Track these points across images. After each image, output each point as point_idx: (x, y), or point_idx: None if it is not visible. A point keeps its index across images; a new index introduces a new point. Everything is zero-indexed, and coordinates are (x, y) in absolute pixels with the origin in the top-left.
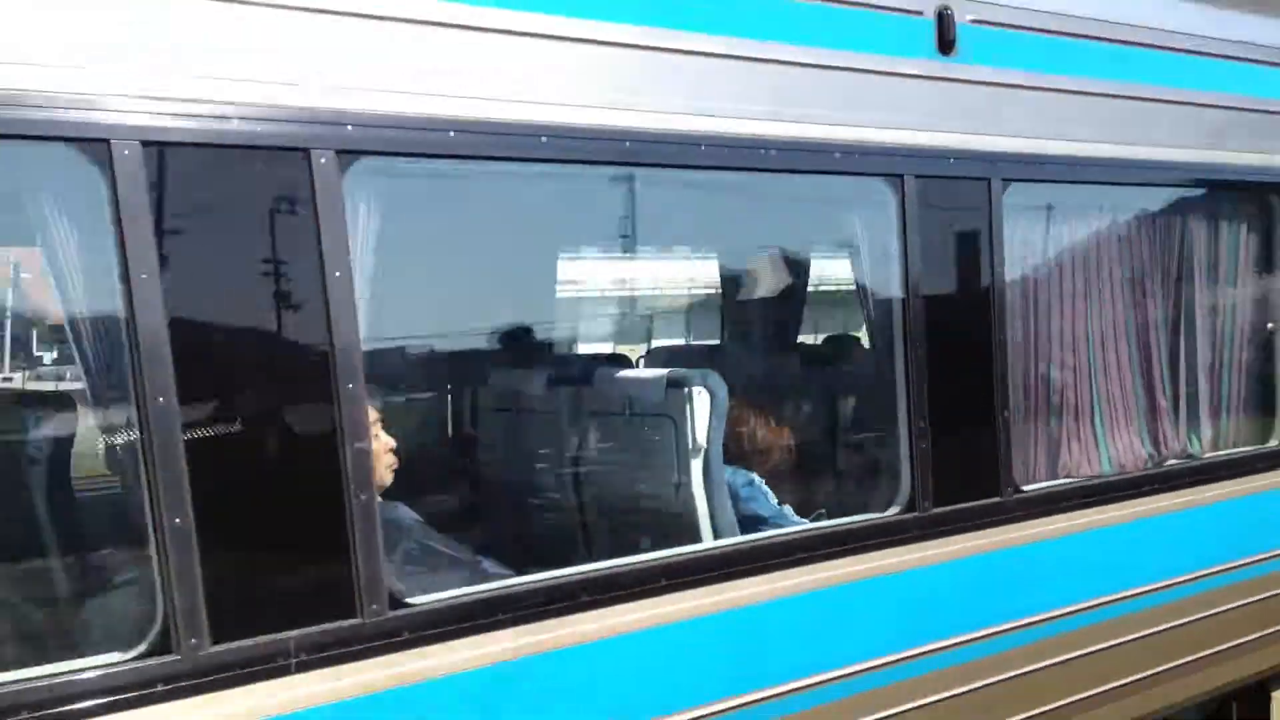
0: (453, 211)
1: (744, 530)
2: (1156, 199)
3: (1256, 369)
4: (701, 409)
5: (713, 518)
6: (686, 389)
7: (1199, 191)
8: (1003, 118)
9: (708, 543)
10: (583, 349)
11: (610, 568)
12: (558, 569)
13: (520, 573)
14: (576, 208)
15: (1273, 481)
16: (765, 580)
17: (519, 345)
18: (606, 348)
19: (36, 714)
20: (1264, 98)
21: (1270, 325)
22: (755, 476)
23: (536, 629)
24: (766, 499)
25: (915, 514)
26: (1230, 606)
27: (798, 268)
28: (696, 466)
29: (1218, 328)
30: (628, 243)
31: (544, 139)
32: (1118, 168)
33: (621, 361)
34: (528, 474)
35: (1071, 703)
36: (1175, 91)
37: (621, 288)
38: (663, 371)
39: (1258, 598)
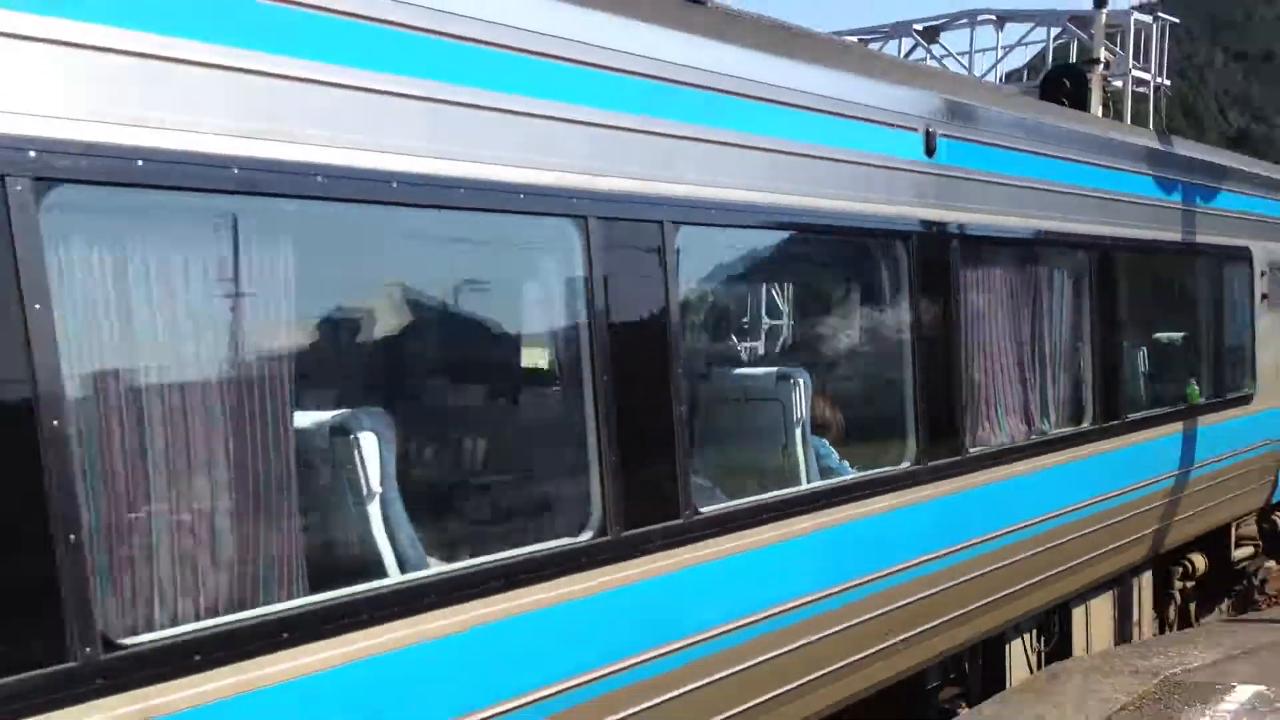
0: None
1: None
2: (804, 241)
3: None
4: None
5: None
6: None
7: (832, 236)
8: (675, 166)
9: (389, 580)
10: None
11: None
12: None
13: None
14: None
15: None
16: (461, 610)
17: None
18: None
19: None
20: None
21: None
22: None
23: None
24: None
25: (607, 538)
26: (875, 613)
27: (493, 304)
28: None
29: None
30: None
31: (236, 170)
32: (771, 213)
33: None
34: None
35: (762, 702)
36: (819, 148)
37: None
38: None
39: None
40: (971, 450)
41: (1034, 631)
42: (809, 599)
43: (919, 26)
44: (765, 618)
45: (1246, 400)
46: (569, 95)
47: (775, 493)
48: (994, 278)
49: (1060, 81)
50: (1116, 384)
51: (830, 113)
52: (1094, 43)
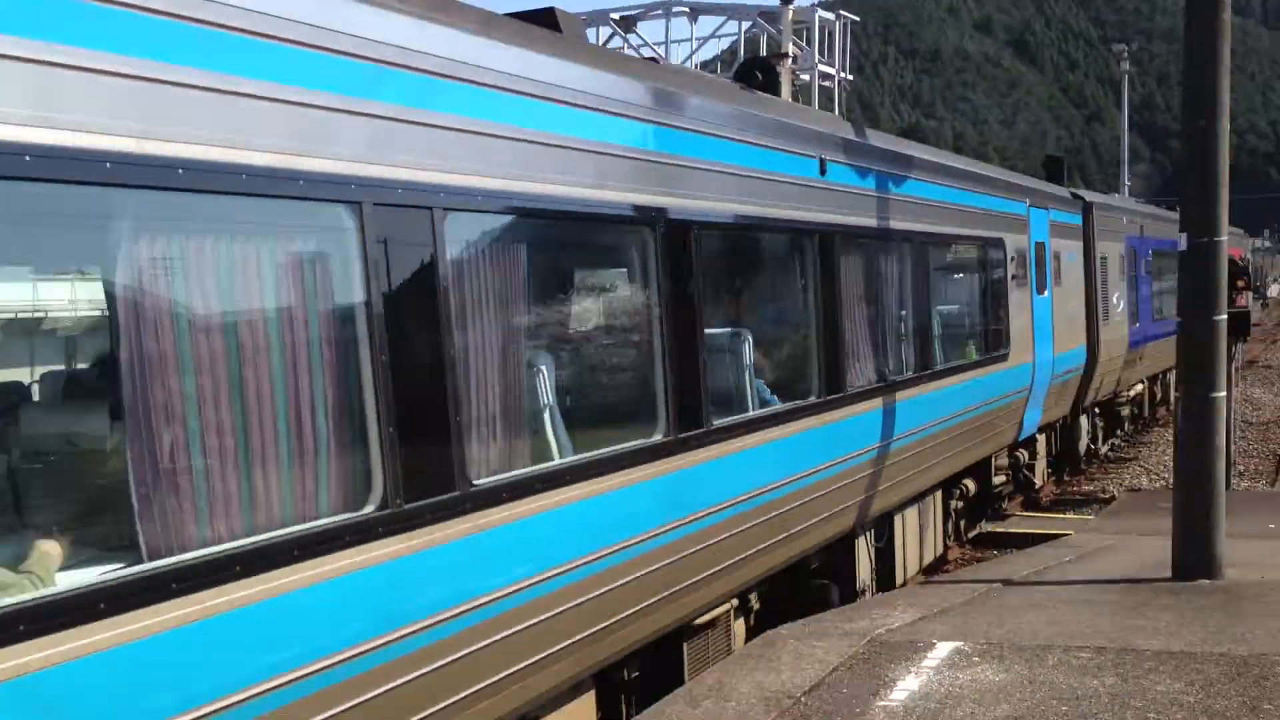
0: None
1: None
2: (555, 227)
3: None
4: None
5: None
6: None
7: (582, 223)
8: (443, 155)
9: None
10: None
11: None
12: None
13: None
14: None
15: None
16: (240, 587)
17: None
18: None
19: None
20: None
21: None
22: None
23: None
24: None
25: (389, 510)
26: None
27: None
28: None
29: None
30: None
31: (27, 158)
32: (529, 201)
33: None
34: None
35: (527, 666)
36: (567, 138)
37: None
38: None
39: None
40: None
41: (872, 532)
42: (577, 563)
43: (616, 16)
44: (541, 580)
45: (1004, 358)
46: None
47: (538, 466)
48: (770, 262)
49: (753, 73)
50: (917, 347)
51: (569, 104)
52: (782, 37)
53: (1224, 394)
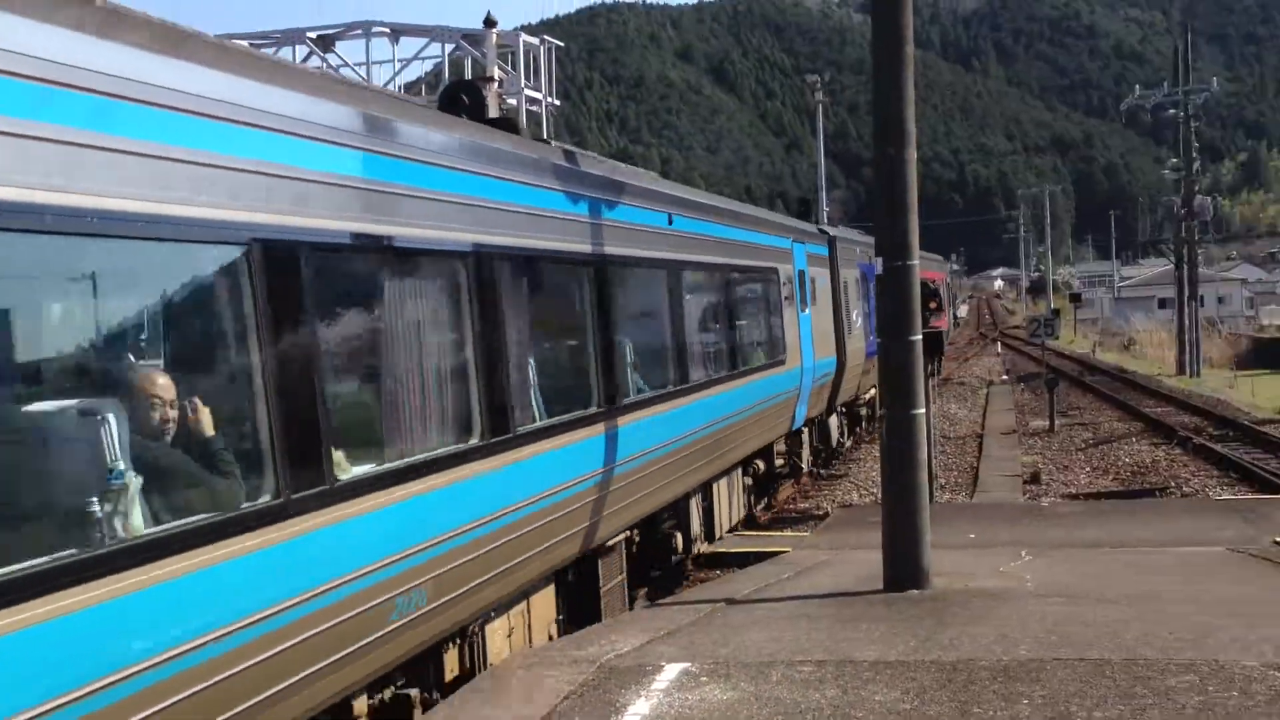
0: None
1: None
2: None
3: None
4: None
5: None
6: None
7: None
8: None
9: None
10: None
11: None
12: None
13: None
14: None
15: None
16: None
17: None
18: None
19: None
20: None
21: None
22: None
23: None
24: None
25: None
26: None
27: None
28: None
29: None
30: None
31: None
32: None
33: None
34: None
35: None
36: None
37: None
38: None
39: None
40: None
41: (700, 497)
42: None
43: (313, 35)
44: (405, 556)
45: (782, 363)
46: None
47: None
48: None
49: (458, 96)
50: (727, 354)
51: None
52: (487, 60)
53: (923, 410)
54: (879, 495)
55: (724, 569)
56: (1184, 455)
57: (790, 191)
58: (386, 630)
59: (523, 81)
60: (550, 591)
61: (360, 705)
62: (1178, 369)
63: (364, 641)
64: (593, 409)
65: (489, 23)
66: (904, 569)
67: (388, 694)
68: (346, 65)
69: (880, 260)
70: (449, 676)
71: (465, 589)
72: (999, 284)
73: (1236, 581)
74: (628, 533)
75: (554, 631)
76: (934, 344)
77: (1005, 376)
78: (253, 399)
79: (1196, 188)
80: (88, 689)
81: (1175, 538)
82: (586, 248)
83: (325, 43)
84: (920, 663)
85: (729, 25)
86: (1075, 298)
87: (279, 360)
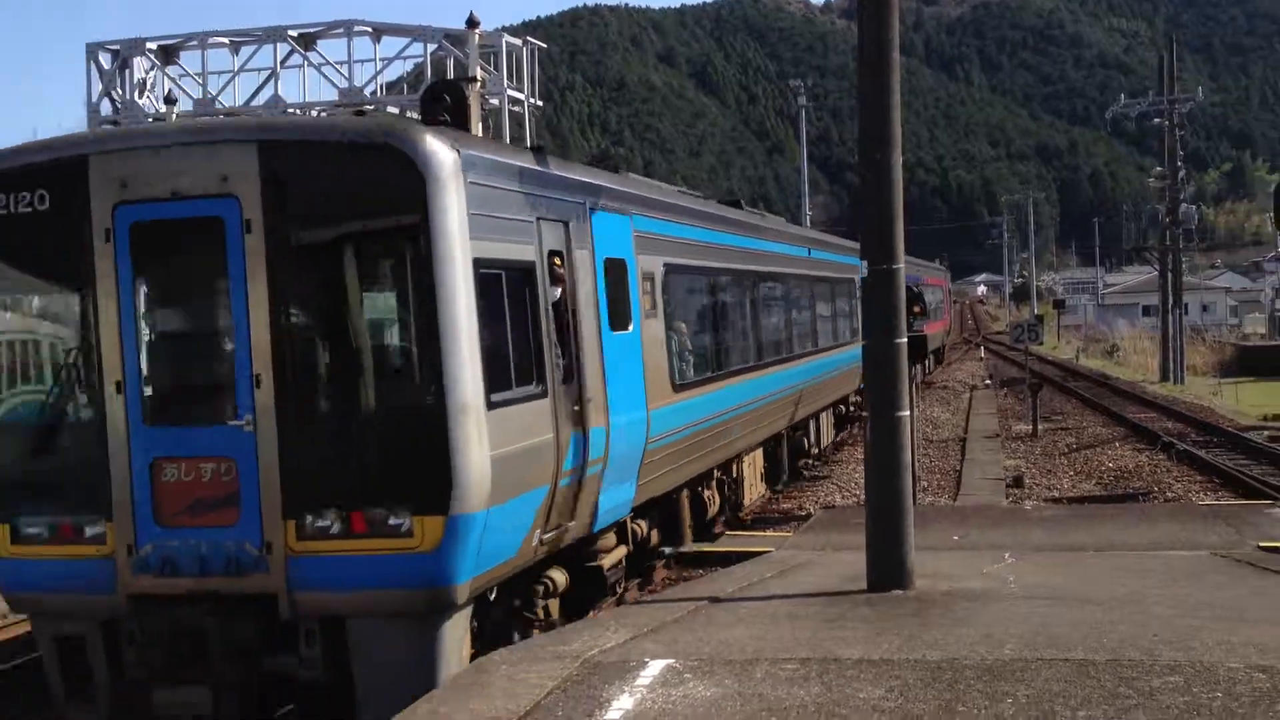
0: None
1: None
2: None
3: None
4: None
5: None
6: None
7: None
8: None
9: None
10: None
11: None
12: None
13: None
14: None
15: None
16: None
17: None
18: None
19: None
20: None
21: None
22: None
23: None
24: None
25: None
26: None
27: None
28: None
29: None
30: None
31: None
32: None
33: None
34: None
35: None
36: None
37: None
38: None
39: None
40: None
41: (815, 422)
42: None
43: (294, 33)
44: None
45: (850, 343)
46: None
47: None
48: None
49: (441, 97)
50: (823, 330)
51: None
52: (470, 61)
53: (908, 413)
54: (862, 497)
55: (707, 568)
56: (1167, 461)
57: (772, 195)
58: (719, 445)
59: (505, 82)
60: (760, 453)
61: (717, 474)
62: (1161, 375)
63: (714, 447)
64: (776, 357)
65: (471, 23)
66: (888, 569)
67: (720, 475)
68: (328, 64)
69: (865, 264)
70: (735, 474)
71: (740, 435)
72: (982, 289)
73: (1220, 585)
74: (786, 431)
75: (762, 474)
76: (918, 348)
77: (988, 381)
78: (665, 343)
79: (1181, 196)
80: (677, 428)
81: (1159, 542)
82: (779, 269)
83: (306, 41)
84: (905, 661)
85: (711, 29)
86: (1059, 304)
87: (667, 320)
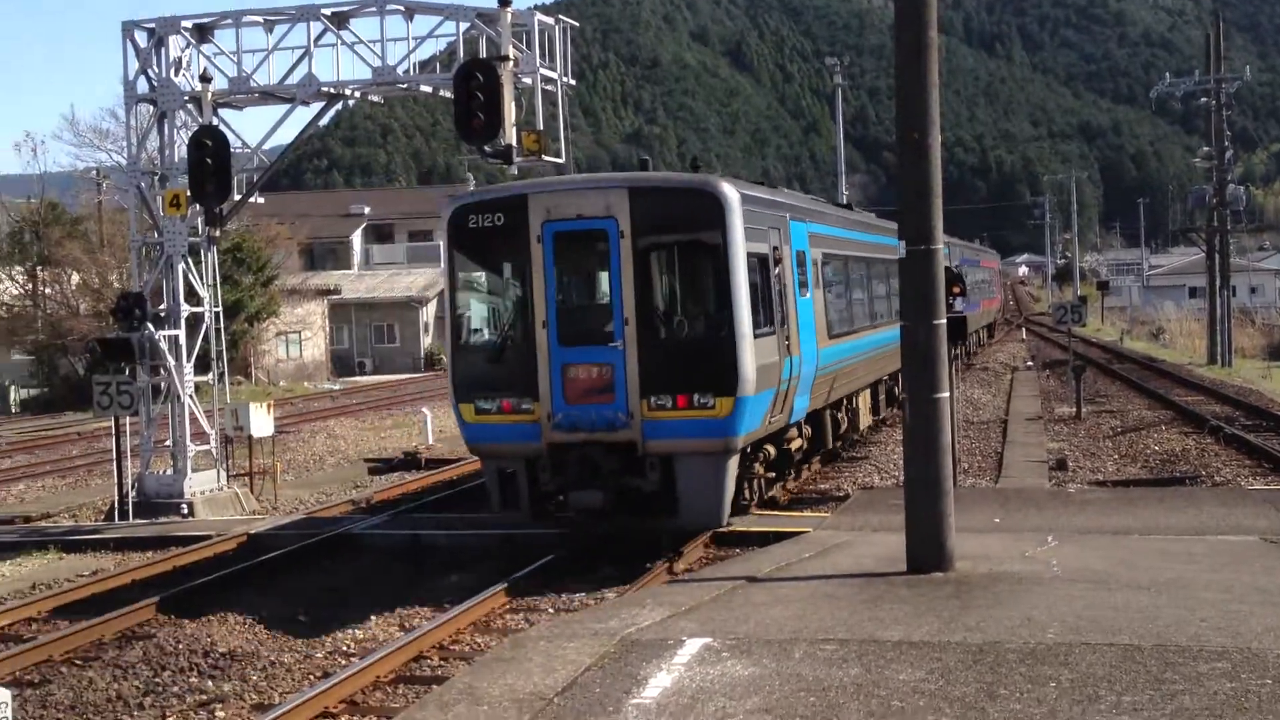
0: None
1: None
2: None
3: None
4: None
5: None
6: None
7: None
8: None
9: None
10: None
11: None
12: None
13: None
14: None
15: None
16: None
17: None
18: None
19: None
20: None
21: None
22: None
23: None
24: None
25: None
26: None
27: None
28: None
29: None
30: None
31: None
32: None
33: None
34: None
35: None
36: None
37: None
38: None
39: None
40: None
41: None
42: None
43: (328, 11)
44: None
45: None
46: None
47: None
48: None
49: (473, 75)
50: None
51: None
52: (502, 40)
53: (947, 394)
54: (900, 478)
55: (744, 548)
56: (1215, 444)
57: (809, 174)
58: (850, 380)
59: (537, 61)
60: (868, 393)
61: (845, 403)
62: (1209, 358)
63: (848, 380)
64: (883, 320)
65: (504, 2)
66: (927, 551)
67: (846, 405)
68: (361, 42)
69: (903, 244)
70: (854, 405)
71: (861, 375)
72: (1024, 270)
73: (1270, 570)
74: (887, 380)
75: (869, 408)
76: (958, 329)
77: (1030, 363)
78: (825, 306)
79: (1229, 177)
80: (831, 362)
81: (1206, 526)
82: (881, 255)
83: (339, 19)
84: (945, 644)
85: (745, 8)
86: (1103, 285)
87: (824, 290)
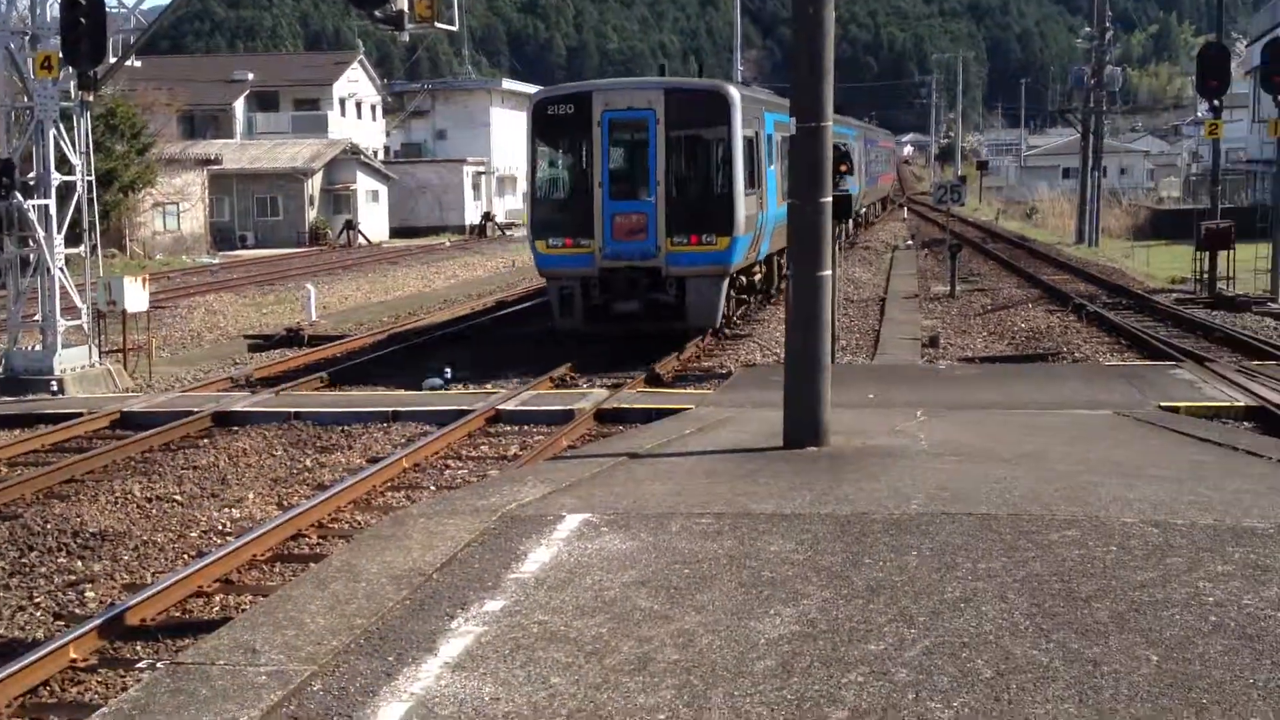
0: None
1: None
2: None
3: None
4: None
5: None
6: None
7: None
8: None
9: None
10: None
11: None
12: None
13: None
14: None
15: None
16: None
17: None
18: None
19: None
20: None
21: None
22: None
23: None
24: None
25: None
26: None
27: None
28: None
29: None
30: None
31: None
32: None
33: None
34: None
35: None
36: None
37: None
38: None
39: None
40: None
41: None
42: None
43: None
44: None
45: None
46: None
47: None
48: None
49: None
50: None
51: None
52: None
53: (830, 272)
54: (782, 355)
55: (627, 425)
56: (1078, 322)
57: (705, 48)
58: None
59: None
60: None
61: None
62: (1077, 238)
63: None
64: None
65: None
66: (803, 427)
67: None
68: None
69: (794, 121)
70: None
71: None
72: (908, 150)
73: (1121, 443)
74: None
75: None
76: (843, 207)
77: (910, 242)
78: (782, 176)
79: (1107, 58)
80: (782, 219)
81: (1066, 400)
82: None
83: None
84: (816, 515)
85: None
86: (982, 165)
87: (781, 165)
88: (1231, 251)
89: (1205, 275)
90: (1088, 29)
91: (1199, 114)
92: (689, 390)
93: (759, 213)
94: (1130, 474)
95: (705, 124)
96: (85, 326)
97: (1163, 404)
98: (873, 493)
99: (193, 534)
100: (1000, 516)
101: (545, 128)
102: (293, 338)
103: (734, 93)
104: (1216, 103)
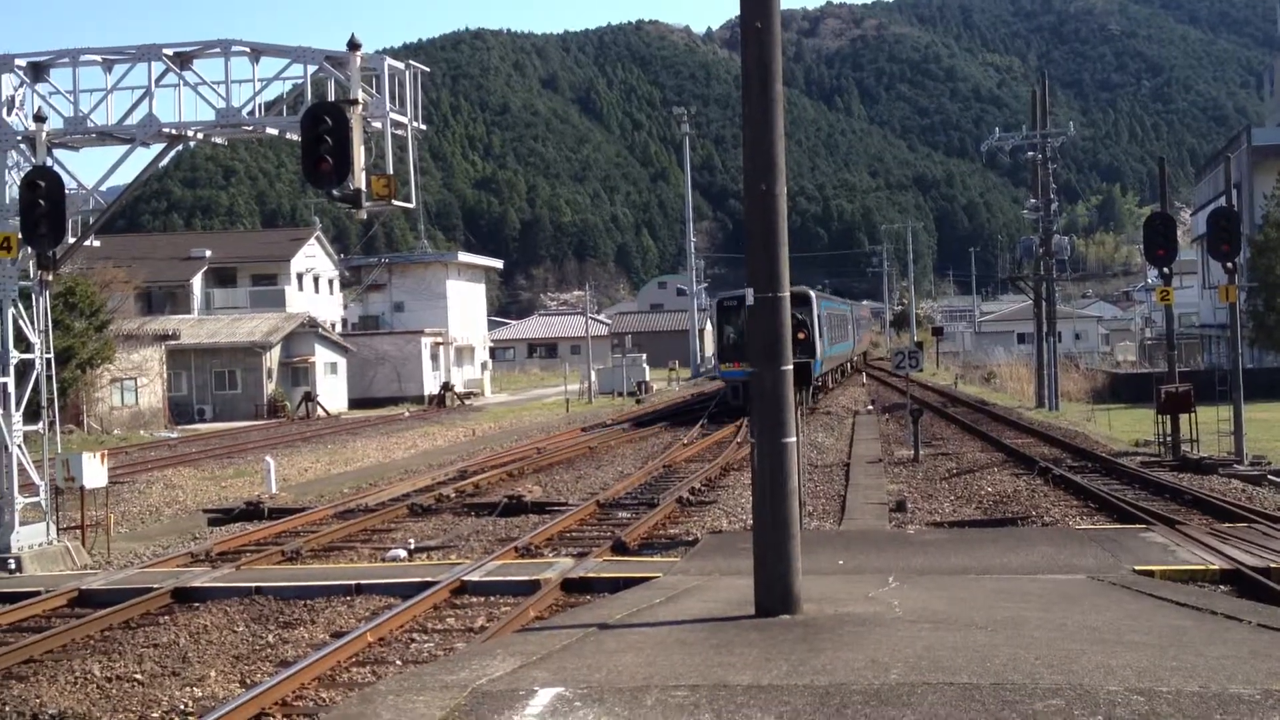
0: None
1: None
2: None
3: None
4: None
5: None
6: None
7: None
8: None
9: None
10: None
11: None
12: None
13: None
14: None
15: None
16: None
17: None
18: None
19: None
20: None
21: None
22: None
23: None
24: None
25: None
26: None
27: None
28: None
29: None
30: None
31: None
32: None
33: None
34: None
35: None
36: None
37: None
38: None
39: None
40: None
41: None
42: None
43: (169, 52)
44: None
45: (851, 344)
46: None
47: None
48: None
49: (321, 118)
50: (850, 334)
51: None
52: (351, 83)
53: (794, 439)
54: (749, 522)
55: (594, 594)
56: (1044, 485)
57: (657, 221)
58: (837, 364)
59: (387, 105)
60: (848, 365)
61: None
62: (1037, 402)
63: (836, 364)
64: (848, 339)
65: (353, 45)
66: (775, 595)
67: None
68: (205, 84)
69: (750, 291)
70: (842, 374)
71: (840, 358)
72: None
73: (1098, 609)
74: (845, 363)
75: (844, 374)
76: (803, 375)
77: (870, 407)
78: (829, 336)
79: (1054, 227)
80: (831, 356)
81: (1038, 565)
82: (844, 312)
83: (183, 60)
84: (794, 687)
85: (594, 56)
86: (938, 331)
87: (829, 329)
88: (1193, 414)
89: (1169, 438)
90: (1033, 200)
91: (1149, 280)
92: (656, 558)
93: (822, 352)
94: (1110, 640)
95: (798, 310)
96: (43, 503)
97: (1137, 568)
98: (850, 662)
99: (154, 714)
100: (982, 686)
101: (721, 314)
102: (253, 511)
103: (813, 294)
104: (1166, 270)
